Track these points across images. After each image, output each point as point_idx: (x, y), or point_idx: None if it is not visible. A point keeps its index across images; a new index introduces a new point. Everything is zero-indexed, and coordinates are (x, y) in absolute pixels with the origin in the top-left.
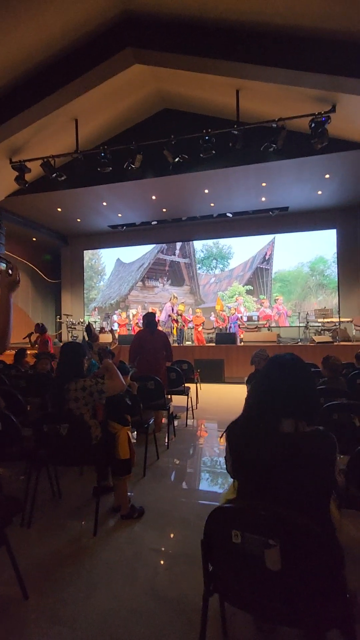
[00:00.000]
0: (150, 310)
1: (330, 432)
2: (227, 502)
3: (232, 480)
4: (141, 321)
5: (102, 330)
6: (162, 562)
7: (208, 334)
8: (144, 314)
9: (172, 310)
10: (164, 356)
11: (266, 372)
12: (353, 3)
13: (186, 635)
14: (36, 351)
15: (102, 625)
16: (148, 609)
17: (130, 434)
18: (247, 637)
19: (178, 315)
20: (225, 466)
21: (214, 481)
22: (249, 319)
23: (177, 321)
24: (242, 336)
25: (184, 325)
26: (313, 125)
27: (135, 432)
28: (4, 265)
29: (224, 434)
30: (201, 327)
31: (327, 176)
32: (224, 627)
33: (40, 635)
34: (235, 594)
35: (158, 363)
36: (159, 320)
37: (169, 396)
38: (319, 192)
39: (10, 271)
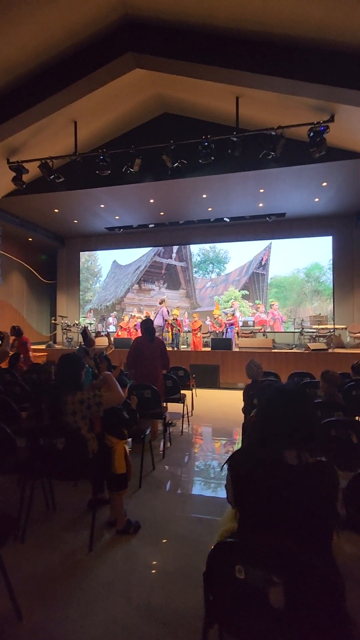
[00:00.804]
0: (145, 314)
1: (329, 446)
2: (230, 536)
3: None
4: (138, 324)
5: (98, 333)
6: (157, 580)
7: (203, 338)
8: (143, 319)
9: (168, 314)
10: (161, 364)
11: (269, 402)
12: (352, 15)
13: None
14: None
15: None
16: (144, 631)
17: (126, 446)
18: None
19: (173, 319)
20: (224, 485)
21: (209, 491)
22: (245, 324)
23: (172, 326)
24: (237, 331)
25: (179, 330)
26: (311, 134)
27: (131, 440)
28: None
29: (226, 463)
30: (199, 333)
31: (325, 184)
32: None
33: None
34: (236, 626)
35: (156, 371)
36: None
37: (165, 404)
38: (316, 200)
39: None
